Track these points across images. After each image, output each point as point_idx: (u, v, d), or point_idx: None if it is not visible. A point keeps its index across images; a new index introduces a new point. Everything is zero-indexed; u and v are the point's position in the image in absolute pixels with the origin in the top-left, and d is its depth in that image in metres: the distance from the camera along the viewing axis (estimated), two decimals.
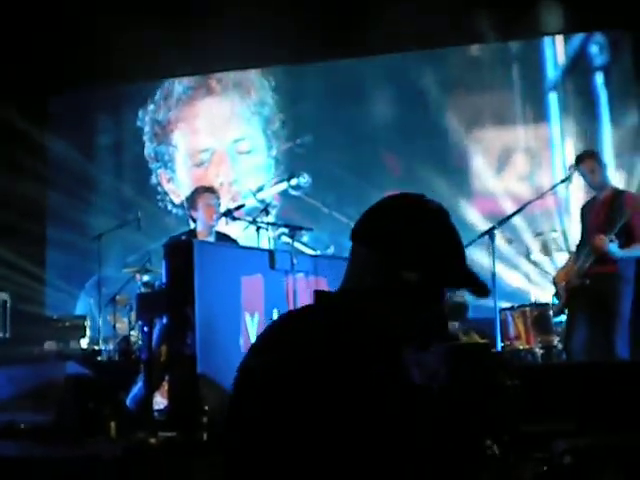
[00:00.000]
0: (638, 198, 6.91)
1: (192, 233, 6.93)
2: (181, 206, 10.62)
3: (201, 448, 5.49)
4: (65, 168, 11.07)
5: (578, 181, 7.16)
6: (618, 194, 6.76)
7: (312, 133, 10.47)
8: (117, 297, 8.61)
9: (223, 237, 7.09)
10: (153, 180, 11.26)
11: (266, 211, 7.34)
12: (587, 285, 6.54)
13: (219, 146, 10.90)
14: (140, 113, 11.34)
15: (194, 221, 6.97)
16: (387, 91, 10.27)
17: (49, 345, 9.28)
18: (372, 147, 10.26)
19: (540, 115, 10.03)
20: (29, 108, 10.84)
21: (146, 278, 8.00)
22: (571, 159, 7.34)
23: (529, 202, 7.45)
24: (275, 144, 10.80)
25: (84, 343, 9.21)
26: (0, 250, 10.18)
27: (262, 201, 8.83)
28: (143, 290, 7.72)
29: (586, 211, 6.94)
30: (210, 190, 7.09)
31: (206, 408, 5.65)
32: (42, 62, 10.64)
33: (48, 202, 11.42)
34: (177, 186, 11.08)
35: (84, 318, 9.55)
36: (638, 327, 6.44)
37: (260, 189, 10.52)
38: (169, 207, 11.12)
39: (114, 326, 8.62)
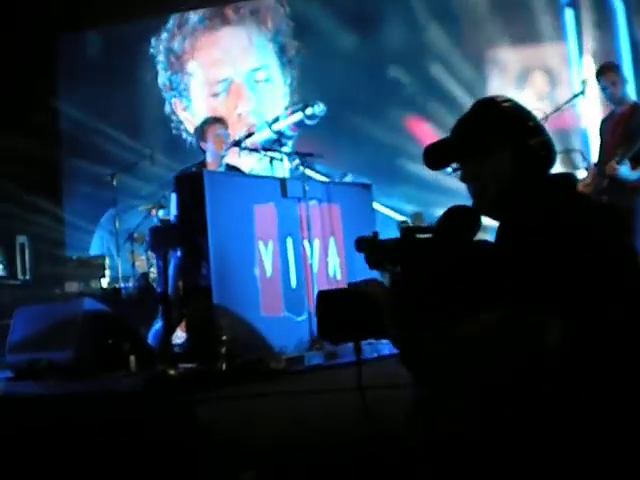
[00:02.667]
0: None
1: (202, 164, 6.87)
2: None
3: (220, 378, 5.49)
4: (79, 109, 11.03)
5: (594, 95, 7.00)
6: (637, 108, 6.59)
7: (327, 59, 10.22)
8: (135, 235, 8.57)
9: (232, 169, 7.04)
10: (167, 109, 11.15)
11: (279, 142, 7.27)
12: (605, 201, 6.38)
13: (237, 76, 10.72)
14: (153, 41, 11.15)
15: (203, 152, 6.90)
16: (401, 14, 10.08)
17: (69, 286, 9.31)
18: (388, 71, 10.07)
19: (557, 32, 9.79)
20: (37, 49, 10.80)
21: (161, 213, 7.91)
22: (589, 76, 7.16)
23: (545, 117, 7.27)
24: (290, 73, 10.64)
25: (104, 282, 9.22)
26: (17, 192, 10.17)
27: (278, 132, 8.72)
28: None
29: (604, 125, 6.78)
30: (219, 121, 7.01)
31: (224, 338, 5.65)
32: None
33: (63, 141, 11.40)
34: (192, 115, 10.91)
35: (103, 258, 9.54)
36: None
37: (276, 120, 10.39)
38: (184, 135, 10.99)
39: (133, 264, 8.60)
